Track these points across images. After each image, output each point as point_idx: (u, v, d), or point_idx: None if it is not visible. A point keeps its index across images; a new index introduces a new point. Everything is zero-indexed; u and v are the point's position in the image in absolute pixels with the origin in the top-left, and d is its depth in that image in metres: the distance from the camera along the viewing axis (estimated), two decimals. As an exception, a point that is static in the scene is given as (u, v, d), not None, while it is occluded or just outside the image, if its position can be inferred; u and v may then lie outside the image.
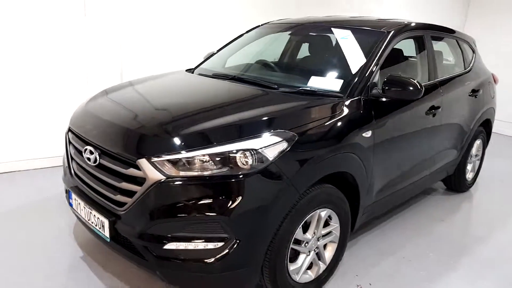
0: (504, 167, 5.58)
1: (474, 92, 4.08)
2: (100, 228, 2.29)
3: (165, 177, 2.02)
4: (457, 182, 4.37)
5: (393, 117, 2.90)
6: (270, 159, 2.09)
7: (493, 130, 4.80)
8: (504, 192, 4.67)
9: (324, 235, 2.57)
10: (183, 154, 2.05)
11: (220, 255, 2.06)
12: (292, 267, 2.39)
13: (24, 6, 3.90)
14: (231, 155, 2.05)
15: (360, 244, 3.24)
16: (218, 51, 3.81)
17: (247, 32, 3.88)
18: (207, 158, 2.04)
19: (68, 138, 2.66)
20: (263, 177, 2.07)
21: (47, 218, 3.30)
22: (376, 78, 2.84)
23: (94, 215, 2.32)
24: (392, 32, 3.09)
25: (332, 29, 3.26)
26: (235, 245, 2.06)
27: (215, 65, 3.58)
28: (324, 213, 2.47)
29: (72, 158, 2.61)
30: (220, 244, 2.05)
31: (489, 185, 4.83)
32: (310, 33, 3.61)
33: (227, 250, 2.06)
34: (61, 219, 3.25)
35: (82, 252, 2.88)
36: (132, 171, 2.12)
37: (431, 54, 3.55)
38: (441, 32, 3.92)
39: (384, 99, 2.81)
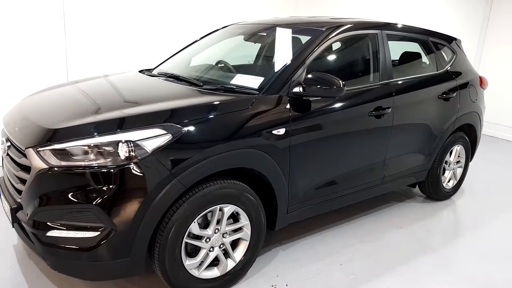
0: (506, 175, 5.23)
1: (446, 94, 3.89)
2: (8, 214, 2.42)
3: (48, 166, 2.11)
4: (431, 190, 4.16)
5: (320, 116, 2.82)
6: (149, 151, 2.12)
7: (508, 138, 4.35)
8: (487, 203, 4.33)
9: (234, 232, 2.56)
10: (64, 144, 2.12)
11: (96, 244, 2.10)
12: (189, 261, 2.39)
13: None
14: (108, 146, 2.10)
15: (298, 246, 3.17)
16: (177, 52, 3.89)
17: (205, 36, 3.95)
18: (86, 148, 2.10)
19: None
20: (141, 168, 2.10)
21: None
22: (302, 76, 2.78)
23: (5, 203, 2.45)
24: (328, 30, 3.03)
25: (277, 29, 3.25)
26: (111, 235, 2.10)
27: (175, 66, 3.62)
28: (227, 209, 2.45)
29: None
30: (96, 233, 2.10)
31: (478, 194, 4.52)
32: (260, 34, 3.61)
33: (103, 240, 2.10)
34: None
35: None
36: (23, 160, 2.23)
37: (385, 53, 3.42)
38: (404, 32, 3.77)
39: (310, 98, 2.76)
